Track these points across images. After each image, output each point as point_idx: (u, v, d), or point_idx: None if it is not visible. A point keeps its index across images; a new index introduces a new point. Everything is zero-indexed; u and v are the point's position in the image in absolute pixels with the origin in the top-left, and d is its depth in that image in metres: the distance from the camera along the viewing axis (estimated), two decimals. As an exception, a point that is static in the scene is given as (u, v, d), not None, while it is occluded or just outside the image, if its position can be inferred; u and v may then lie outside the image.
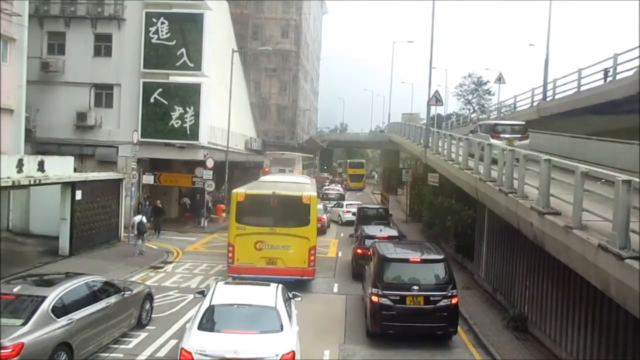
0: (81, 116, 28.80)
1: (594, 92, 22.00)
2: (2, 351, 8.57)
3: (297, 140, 64.86)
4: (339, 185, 59.92)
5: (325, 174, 73.28)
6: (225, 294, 10.60)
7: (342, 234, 30.59)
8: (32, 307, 9.54)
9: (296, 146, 60.82)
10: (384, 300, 12.60)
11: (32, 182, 18.49)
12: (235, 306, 10.20)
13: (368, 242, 18.59)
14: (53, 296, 9.95)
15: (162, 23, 28.34)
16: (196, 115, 28.57)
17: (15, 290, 10.09)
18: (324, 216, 31.35)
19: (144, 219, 22.56)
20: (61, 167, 20.52)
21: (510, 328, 14.07)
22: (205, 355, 8.94)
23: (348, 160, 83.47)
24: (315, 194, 18.69)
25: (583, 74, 24.07)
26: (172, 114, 28.60)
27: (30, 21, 24.54)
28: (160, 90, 28.63)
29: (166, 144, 29.05)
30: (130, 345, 11.91)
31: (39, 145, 27.89)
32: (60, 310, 9.93)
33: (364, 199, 52.77)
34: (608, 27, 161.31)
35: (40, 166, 18.90)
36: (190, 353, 8.97)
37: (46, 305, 9.66)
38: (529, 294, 14.08)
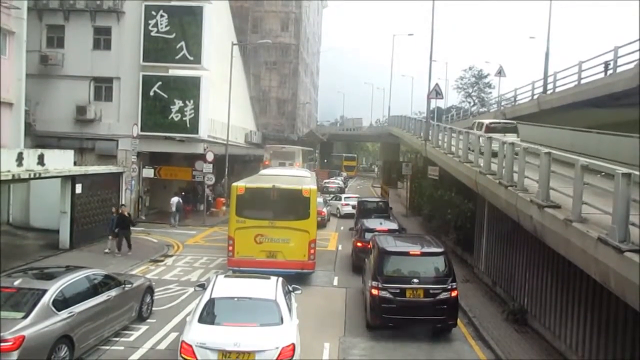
0: (81, 110, 28.73)
1: (595, 85, 21.95)
2: (3, 344, 8.59)
3: (297, 133, 64.80)
4: (339, 178, 59.91)
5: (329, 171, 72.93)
6: (225, 287, 10.63)
7: (342, 227, 30.61)
8: (33, 301, 9.57)
9: (296, 139, 60.77)
10: (383, 293, 12.63)
11: (32, 176, 18.50)
12: (236, 299, 10.23)
13: (368, 235, 18.61)
14: (54, 289, 9.97)
15: (162, 16, 28.23)
16: (196, 108, 28.52)
17: (16, 283, 10.13)
18: (324, 209, 31.38)
19: (181, 200, 29.28)
20: (61, 161, 20.53)
21: (509, 321, 14.11)
22: (206, 347, 8.97)
23: (343, 155, 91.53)
24: (315, 187, 18.70)
25: (584, 67, 23.99)
26: (171, 107, 28.55)
27: (29, 14, 24.38)
28: (159, 83, 28.56)
29: (166, 138, 29.03)
30: (131, 338, 11.95)
31: (39, 138, 27.84)
32: (61, 303, 9.96)
33: (364, 193, 52.85)
34: (609, 19, 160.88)
35: (40, 160, 18.90)
36: (190, 346, 9.00)
37: (47, 299, 9.68)
38: (529, 287, 14.11)
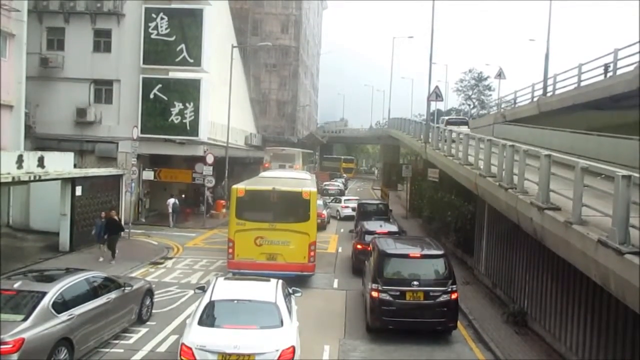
0: (81, 112, 28.77)
1: (595, 87, 21.92)
2: (2, 347, 8.58)
3: (297, 135, 64.83)
4: (340, 180, 59.74)
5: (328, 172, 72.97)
6: (225, 289, 10.62)
7: (342, 230, 30.60)
8: (33, 303, 9.57)
9: (296, 142, 60.79)
10: (383, 296, 12.62)
11: (32, 178, 18.50)
12: (236, 302, 10.23)
13: (368, 238, 18.60)
14: (53, 292, 9.97)
15: (162, 18, 28.29)
16: (196, 111, 28.55)
17: (15, 285, 10.13)
18: (324, 212, 31.37)
19: (177, 201, 29.67)
20: (61, 163, 20.52)
21: (510, 323, 14.10)
22: (206, 350, 8.96)
23: (342, 157, 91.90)
24: (315, 189, 18.70)
25: (583, 69, 23.97)
26: (171, 109, 28.59)
27: (29, 17, 24.48)
28: (159, 86, 28.61)
29: (166, 140, 29.08)
30: (131, 341, 11.94)
31: (39, 141, 27.91)
32: (61, 305, 9.96)
33: (364, 195, 52.85)
34: (609, 20, 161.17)
35: (40, 162, 18.90)
36: (190, 348, 8.99)
37: (47, 301, 9.68)
38: (529, 289, 14.10)
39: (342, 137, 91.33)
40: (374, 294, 12.76)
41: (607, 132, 16.97)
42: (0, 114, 22.35)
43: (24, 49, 23.60)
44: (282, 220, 17.30)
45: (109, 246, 19.70)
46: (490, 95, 73.14)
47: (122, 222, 23.75)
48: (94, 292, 11.14)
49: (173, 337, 12.07)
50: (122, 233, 21.28)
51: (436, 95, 30.23)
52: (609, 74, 21.82)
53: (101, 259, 19.55)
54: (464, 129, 28.28)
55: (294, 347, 9.27)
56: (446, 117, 37.88)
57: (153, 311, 13.70)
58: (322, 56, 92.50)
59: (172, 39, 28.32)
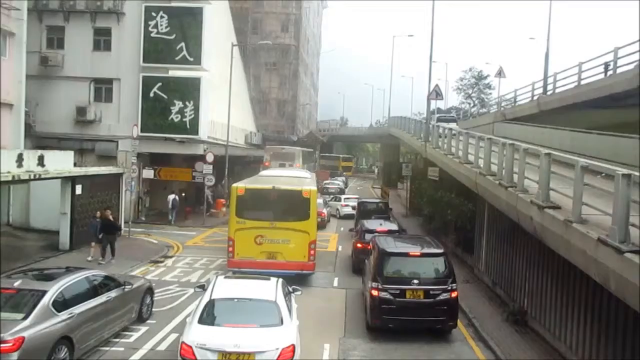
0: (81, 111, 28.77)
1: (595, 86, 21.93)
2: (3, 345, 8.58)
3: (297, 134, 64.86)
4: (340, 179, 59.65)
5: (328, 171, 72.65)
6: (225, 288, 10.63)
7: (342, 228, 30.60)
8: (33, 302, 9.56)
9: (296, 140, 60.81)
10: (383, 294, 12.62)
11: (32, 177, 18.48)
12: (236, 300, 10.24)
13: (368, 236, 18.58)
14: (54, 290, 9.97)
15: (162, 17, 28.28)
16: (196, 109, 28.55)
17: (15, 284, 10.12)
18: (324, 210, 31.36)
19: (177, 198, 30.00)
20: (61, 162, 20.50)
21: (509, 322, 14.10)
22: (206, 349, 8.97)
23: (341, 156, 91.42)
24: (315, 188, 18.70)
25: (583, 67, 23.97)
26: (171, 108, 28.58)
27: (29, 15, 24.45)
28: (159, 84, 28.60)
29: (166, 139, 29.07)
30: (131, 339, 11.95)
31: (39, 139, 27.90)
32: (61, 304, 9.96)
33: (364, 193, 52.85)
34: (609, 19, 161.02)
35: (40, 161, 18.88)
36: (190, 347, 9.00)
37: (47, 300, 9.67)
38: (529, 287, 14.11)
39: (342, 136, 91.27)
40: (374, 292, 12.75)
41: (607, 131, 16.96)
42: (1, 113, 22.34)
43: (23, 48, 23.59)
44: (282, 218, 17.30)
45: (104, 246, 19.41)
46: (491, 93, 72.87)
47: (122, 221, 23.98)
48: (94, 290, 11.13)
49: (173, 336, 12.07)
50: (121, 232, 21.22)
51: (436, 93, 30.23)
52: (609, 73, 21.83)
53: (90, 259, 19.19)
54: (452, 125, 30.20)
55: (294, 346, 9.28)
56: (437, 115, 40.04)
57: (153, 310, 13.69)
58: (322, 55, 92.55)
59: (172, 37, 28.31)
